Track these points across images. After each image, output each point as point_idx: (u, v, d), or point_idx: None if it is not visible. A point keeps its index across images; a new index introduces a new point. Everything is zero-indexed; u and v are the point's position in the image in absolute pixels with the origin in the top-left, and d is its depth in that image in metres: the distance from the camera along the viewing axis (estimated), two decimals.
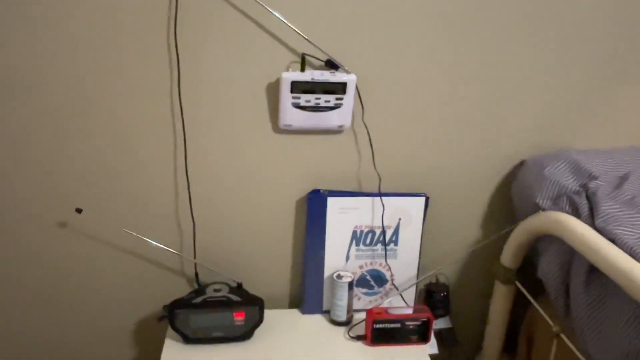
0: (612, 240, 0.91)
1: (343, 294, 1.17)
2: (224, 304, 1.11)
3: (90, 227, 1.14)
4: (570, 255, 1.01)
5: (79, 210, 1.09)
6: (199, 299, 1.11)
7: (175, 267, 1.21)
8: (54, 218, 1.12)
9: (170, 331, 1.13)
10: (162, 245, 1.16)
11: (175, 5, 0.98)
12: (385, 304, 1.24)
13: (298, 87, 1.04)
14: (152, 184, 1.12)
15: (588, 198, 1.03)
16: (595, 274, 0.93)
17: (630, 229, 0.92)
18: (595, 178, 1.07)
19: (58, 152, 1.07)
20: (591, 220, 0.98)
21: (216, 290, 1.13)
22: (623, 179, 1.08)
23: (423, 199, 1.18)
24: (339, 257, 1.20)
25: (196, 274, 1.20)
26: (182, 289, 1.22)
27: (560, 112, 1.18)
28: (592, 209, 1.00)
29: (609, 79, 1.17)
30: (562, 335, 1.02)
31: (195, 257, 1.19)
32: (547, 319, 1.07)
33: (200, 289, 1.14)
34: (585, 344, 0.95)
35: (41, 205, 1.11)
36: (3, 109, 1.03)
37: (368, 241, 1.20)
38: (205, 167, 1.12)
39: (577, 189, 1.07)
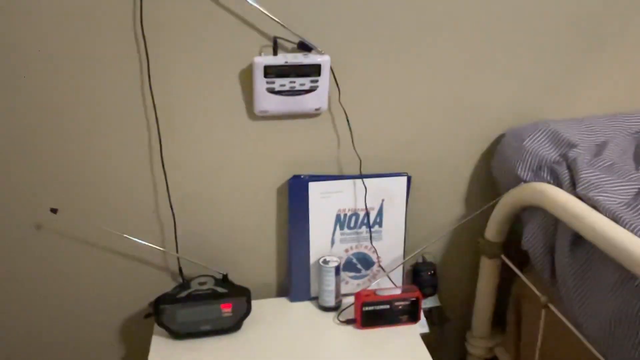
0: (594, 207, 0.91)
1: (330, 279, 1.16)
2: (210, 297, 1.09)
3: (67, 227, 1.12)
4: (554, 225, 1.01)
5: (54, 210, 1.07)
6: (184, 293, 1.09)
7: (158, 263, 1.19)
8: (29, 219, 1.09)
9: (157, 327, 1.11)
10: (143, 242, 1.14)
11: None
12: (373, 286, 1.24)
13: (272, 72, 1.02)
14: (128, 178, 1.10)
15: (568, 167, 1.04)
16: (579, 241, 0.94)
17: (611, 195, 0.93)
18: (574, 146, 1.07)
19: (30, 151, 1.04)
20: (572, 189, 0.99)
21: (201, 284, 1.12)
22: (602, 146, 1.09)
23: (405, 178, 1.17)
24: (324, 242, 1.19)
25: (180, 268, 1.18)
26: (166, 284, 1.21)
27: (537, 84, 1.18)
28: (572, 178, 1.01)
29: (583, 47, 1.17)
30: (550, 305, 1.03)
31: (177, 251, 1.17)
32: (534, 290, 1.08)
33: (185, 283, 1.13)
34: (573, 312, 0.95)
35: (15, 207, 1.08)
36: None
37: (352, 224, 1.19)
38: (181, 158, 1.10)
39: (557, 158, 1.07)
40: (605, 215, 0.88)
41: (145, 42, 0.99)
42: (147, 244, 1.14)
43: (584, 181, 0.97)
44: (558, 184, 1.02)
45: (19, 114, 1.01)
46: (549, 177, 1.05)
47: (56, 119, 1.03)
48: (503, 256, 1.19)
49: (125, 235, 1.13)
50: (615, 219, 0.86)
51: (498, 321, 1.31)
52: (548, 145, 1.10)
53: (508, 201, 1.10)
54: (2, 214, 1.08)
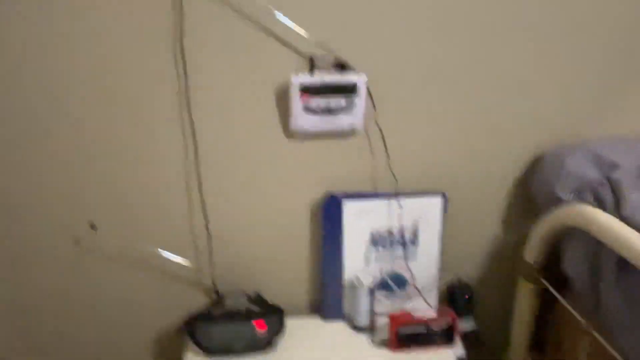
0: None
1: (364, 298, 1.15)
2: (244, 315, 1.09)
3: (105, 243, 1.13)
4: (597, 249, 0.98)
5: (93, 227, 1.08)
6: (218, 311, 1.10)
7: (193, 279, 1.19)
8: (69, 235, 1.12)
9: (190, 344, 1.12)
10: (178, 258, 1.15)
11: (180, 15, 0.97)
12: (407, 306, 1.22)
13: (308, 90, 1.02)
14: (166, 196, 1.11)
15: (612, 188, 1.00)
16: (625, 267, 0.90)
17: None
18: (617, 167, 1.04)
19: (72, 167, 1.07)
20: (616, 211, 0.96)
21: (235, 301, 1.12)
22: None
23: (440, 198, 1.16)
24: (357, 261, 1.18)
25: (214, 285, 1.18)
26: (200, 300, 1.21)
27: (576, 103, 1.15)
28: (617, 200, 0.97)
29: (624, 67, 1.14)
30: (594, 332, 0.99)
31: (212, 268, 1.18)
32: (576, 315, 1.04)
33: (219, 300, 1.13)
34: (618, 340, 0.91)
35: (56, 223, 1.10)
36: (14, 126, 1.02)
37: (387, 244, 1.18)
38: (218, 176, 1.11)
39: (600, 179, 1.04)
40: None
41: (185, 62, 1.01)
42: (181, 260, 1.15)
43: (629, 204, 0.94)
44: (601, 206, 0.99)
45: (62, 131, 1.04)
46: (591, 199, 1.02)
47: (97, 138, 1.05)
48: (542, 279, 1.16)
49: (161, 252, 1.14)
50: None
51: (537, 346, 1.27)
52: (589, 166, 1.07)
53: (548, 223, 1.07)
54: (42, 227, 1.11)
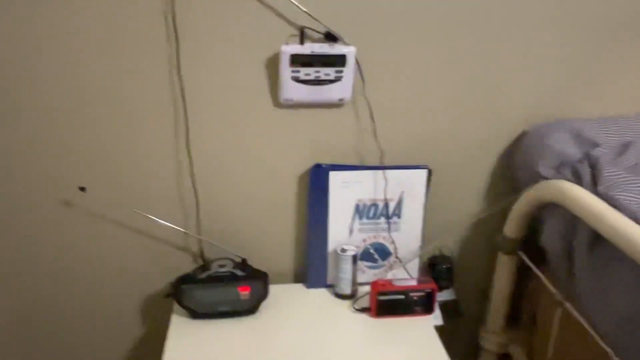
0: (615, 206, 0.91)
1: (347, 267, 1.17)
2: (229, 279, 1.12)
3: (94, 206, 1.15)
4: (573, 223, 1.01)
5: (82, 189, 1.10)
6: (204, 275, 1.12)
7: (180, 244, 1.22)
8: (58, 197, 1.13)
9: (176, 307, 1.15)
10: (166, 223, 1.17)
11: None
12: (389, 276, 1.25)
13: (297, 61, 1.03)
14: (155, 161, 1.12)
15: (591, 165, 1.03)
16: (598, 240, 0.93)
17: (633, 195, 0.92)
18: (597, 145, 1.07)
19: (60, 130, 1.08)
20: (594, 188, 0.98)
21: (221, 266, 1.14)
22: (626, 146, 1.08)
23: (425, 171, 1.18)
24: (342, 231, 1.21)
25: (201, 251, 1.21)
26: (187, 266, 1.23)
27: (561, 81, 1.17)
28: (594, 176, 1.00)
29: (609, 46, 1.16)
30: (566, 303, 1.03)
31: (199, 234, 1.20)
32: (551, 287, 1.08)
33: (205, 265, 1.15)
34: (588, 310, 0.95)
35: (45, 185, 1.12)
36: (4, 93, 1.02)
37: (371, 214, 1.20)
38: (207, 143, 1.12)
39: (580, 156, 1.06)
40: (626, 215, 0.88)
41: (176, 27, 1.01)
42: (170, 225, 1.17)
43: (605, 180, 0.96)
44: (579, 182, 1.02)
45: (50, 95, 1.04)
46: (570, 175, 1.05)
47: (85, 101, 1.06)
48: (520, 253, 1.19)
49: (149, 216, 1.16)
50: (636, 219, 0.86)
51: (513, 317, 1.31)
52: (571, 143, 1.09)
53: (528, 198, 1.10)
54: (31, 190, 1.12)
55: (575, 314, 1.01)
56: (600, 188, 0.95)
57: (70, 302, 1.25)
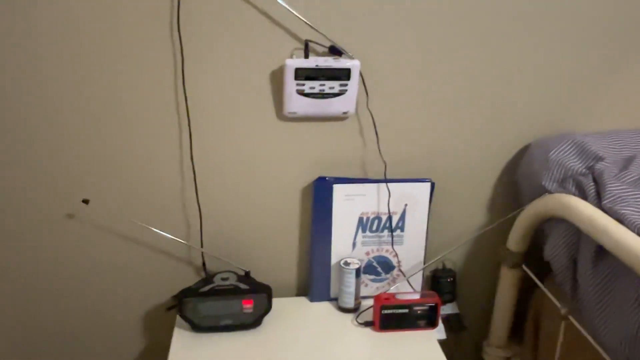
0: (620, 221, 0.91)
1: (350, 280, 1.17)
2: (232, 292, 1.11)
3: (97, 218, 1.15)
4: (577, 237, 1.01)
5: (85, 201, 1.10)
6: (207, 288, 1.11)
7: (183, 257, 1.21)
8: (61, 210, 1.13)
9: (179, 320, 1.14)
10: (169, 235, 1.16)
11: None
12: (393, 290, 1.25)
13: (302, 74, 1.04)
14: (158, 174, 1.13)
15: (594, 179, 1.03)
16: (602, 254, 0.93)
17: (637, 209, 0.92)
18: (601, 159, 1.07)
19: (64, 143, 1.08)
20: (598, 202, 0.99)
21: (224, 279, 1.14)
22: (629, 160, 1.08)
23: (429, 184, 1.18)
24: (345, 244, 1.21)
25: (203, 263, 1.20)
26: (190, 278, 1.23)
27: (564, 95, 1.18)
28: (598, 191, 1.00)
29: (613, 61, 1.17)
30: (570, 317, 1.03)
31: (202, 246, 1.20)
32: (555, 300, 1.08)
33: (208, 278, 1.15)
34: (593, 325, 0.95)
35: (49, 197, 1.12)
36: (8, 102, 1.03)
37: (374, 228, 1.20)
38: (210, 156, 1.12)
39: (583, 170, 1.07)
40: (630, 229, 0.88)
41: (181, 40, 1.02)
42: (173, 237, 1.17)
43: (610, 194, 0.97)
44: (583, 196, 1.02)
45: (55, 105, 1.05)
46: (574, 189, 1.05)
47: (91, 112, 1.06)
48: (524, 266, 1.19)
49: (152, 229, 1.16)
50: None
51: (516, 331, 1.31)
52: (574, 157, 1.10)
53: (532, 211, 1.10)
54: (35, 202, 1.12)
55: (580, 328, 1.00)
56: (605, 202, 0.95)
57: (73, 313, 1.24)
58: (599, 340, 0.95)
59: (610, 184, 0.99)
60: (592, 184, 1.03)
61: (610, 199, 0.96)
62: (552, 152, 1.11)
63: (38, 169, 1.09)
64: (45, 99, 1.04)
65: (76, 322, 1.25)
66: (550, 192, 1.08)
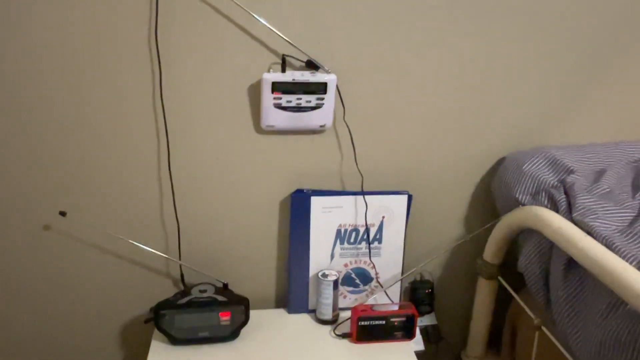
0: (589, 233, 0.93)
1: (328, 292, 1.18)
2: (209, 304, 1.11)
3: (74, 230, 1.15)
4: (549, 249, 1.03)
5: (62, 213, 1.10)
6: (184, 300, 1.11)
7: (161, 269, 1.21)
8: (38, 221, 1.13)
9: (156, 332, 1.14)
10: (147, 247, 1.16)
11: (155, 8, 0.99)
12: (371, 301, 1.25)
13: (279, 88, 1.05)
14: (136, 186, 1.13)
15: (566, 192, 1.05)
16: (573, 266, 0.95)
17: (606, 221, 0.94)
18: (572, 172, 1.09)
19: (41, 156, 1.08)
20: (569, 214, 1.00)
21: (201, 291, 1.14)
22: (600, 173, 1.10)
23: (406, 196, 1.19)
24: (323, 256, 1.21)
25: (182, 275, 1.20)
26: (167, 291, 1.23)
27: (538, 110, 1.20)
28: (569, 203, 1.02)
29: (586, 77, 1.19)
30: (544, 328, 1.04)
31: (180, 259, 1.20)
32: (529, 311, 1.09)
33: (186, 290, 1.15)
34: (565, 335, 0.96)
35: (25, 209, 1.11)
36: None
37: (352, 239, 1.21)
38: (188, 169, 1.13)
39: (555, 183, 1.09)
40: (599, 241, 0.90)
41: (159, 54, 1.03)
42: (151, 250, 1.17)
43: (580, 206, 0.99)
44: (555, 208, 1.04)
45: (31, 117, 1.05)
46: (546, 202, 1.07)
47: (67, 125, 1.06)
48: (500, 278, 1.20)
49: (130, 241, 1.16)
50: (609, 246, 0.88)
51: (493, 342, 1.32)
52: (547, 170, 1.12)
53: (506, 223, 1.12)
54: (11, 214, 1.11)
55: (553, 338, 1.02)
56: (575, 215, 0.97)
57: (49, 326, 1.23)
58: (571, 350, 0.97)
59: (581, 196, 1.01)
60: (563, 196, 1.05)
61: (580, 211, 0.98)
62: (526, 165, 1.13)
63: (15, 180, 1.09)
64: (21, 111, 1.04)
65: (53, 335, 1.24)
66: (523, 205, 1.10)
